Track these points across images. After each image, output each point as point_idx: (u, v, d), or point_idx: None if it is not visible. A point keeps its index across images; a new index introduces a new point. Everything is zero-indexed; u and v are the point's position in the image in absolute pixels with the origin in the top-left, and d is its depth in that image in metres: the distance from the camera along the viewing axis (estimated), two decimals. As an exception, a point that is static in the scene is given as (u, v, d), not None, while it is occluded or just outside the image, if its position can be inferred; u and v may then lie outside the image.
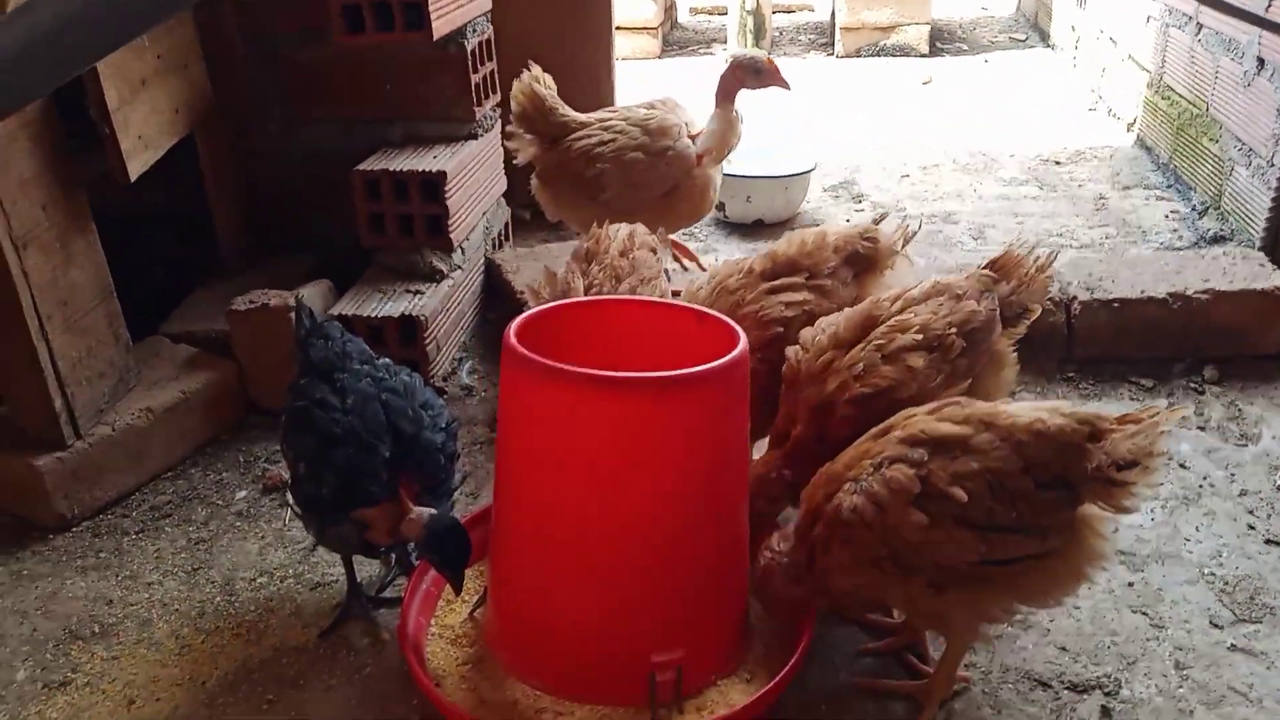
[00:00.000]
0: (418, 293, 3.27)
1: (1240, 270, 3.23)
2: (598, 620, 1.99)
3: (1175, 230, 4.13)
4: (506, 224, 4.01)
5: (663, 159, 3.26)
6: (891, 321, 2.23)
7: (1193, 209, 4.28)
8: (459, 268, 3.45)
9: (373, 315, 3.13)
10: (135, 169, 2.84)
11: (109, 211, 2.92)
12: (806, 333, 2.34)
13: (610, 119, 3.36)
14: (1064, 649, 2.20)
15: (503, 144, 3.46)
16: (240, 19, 3.55)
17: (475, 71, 3.56)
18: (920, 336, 2.19)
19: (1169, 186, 4.58)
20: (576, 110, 3.52)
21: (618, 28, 7.37)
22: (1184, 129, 4.50)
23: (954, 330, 2.20)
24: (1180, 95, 4.60)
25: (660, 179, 3.26)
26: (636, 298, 2.47)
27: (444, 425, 2.29)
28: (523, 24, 4.14)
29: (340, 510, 2.19)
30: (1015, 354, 2.37)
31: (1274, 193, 3.53)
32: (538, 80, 3.40)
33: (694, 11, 8.89)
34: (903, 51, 7.24)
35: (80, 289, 2.75)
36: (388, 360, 2.39)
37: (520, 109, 3.39)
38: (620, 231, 2.77)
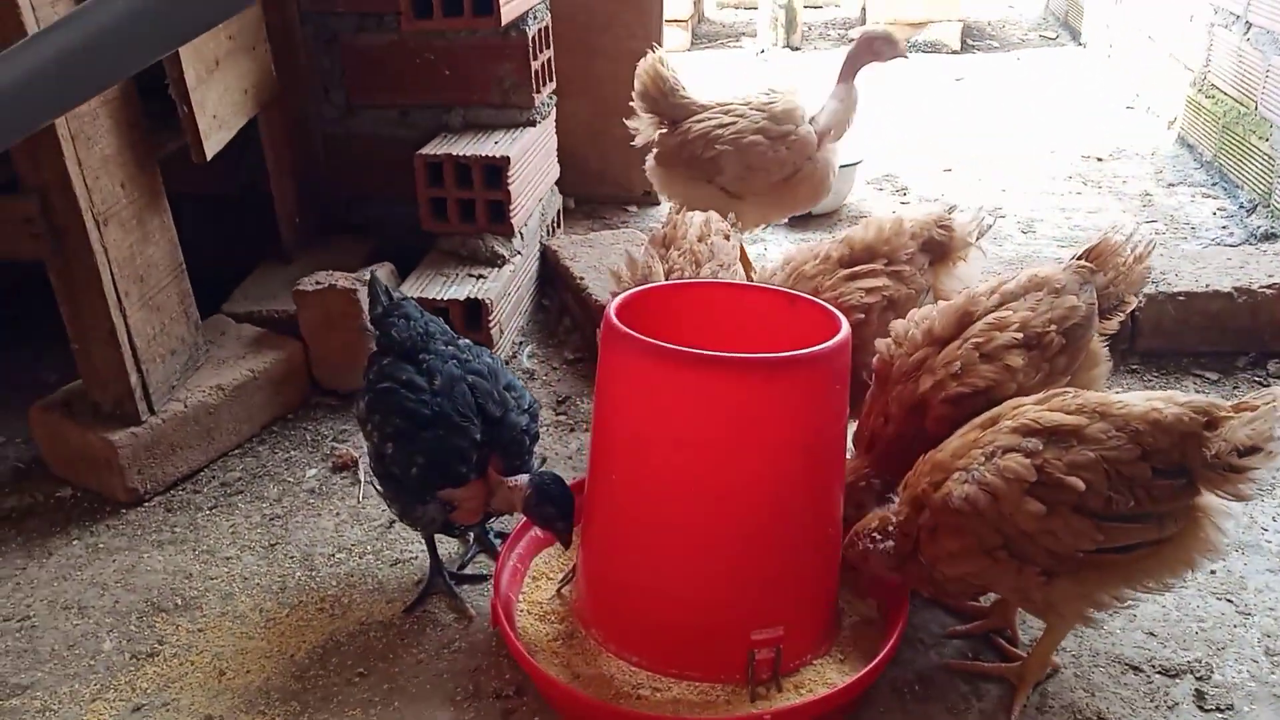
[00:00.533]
0: (480, 276, 3.28)
1: (1303, 265, 3.24)
2: (698, 596, 1.99)
3: (1225, 227, 4.14)
4: (559, 211, 4.01)
5: (784, 142, 3.25)
6: (990, 318, 2.22)
7: (1240, 206, 4.29)
8: (519, 253, 3.45)
9: (438, 298, 3.14)
10: (211, 147, 2.84)
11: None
12: (899, 325, 2.33)
13: (732, 104, 3.36)
14: (1152, 634, 2.20)
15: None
16: (301, 3, 3.56)
17: (535, 59, 3.56)
18: (1020, 335, 2.17)
19: (1214, 184, 4.59)
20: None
21: (652, 20, 7.40)
22: (1230, 127, 4.51)
23: (1054, 328, 2.19)
24: (1226, 94, 4.61)
25: (780, 163, 3.25)
26: (728, 280, 2.47)
27: (526, 407, 2.30)
28: (574, 12, 4.15)
29: (428, 490, 2.20)
30: (1107, 350, 2.36)
31: (1332, 189, 3.53)
32: (661, 61, 3.40)
33: (721, 5, 8.90)
34: (934, 48, 7.25)
35: (155, 266, 2.76)
36: (468, 341, 2.40)
37: (643, 88, 3.39)
38: (696, 218, 2.78)
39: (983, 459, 1.89)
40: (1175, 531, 1.83)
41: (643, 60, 3.42)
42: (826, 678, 2.05)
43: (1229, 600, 2.29)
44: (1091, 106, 5.88)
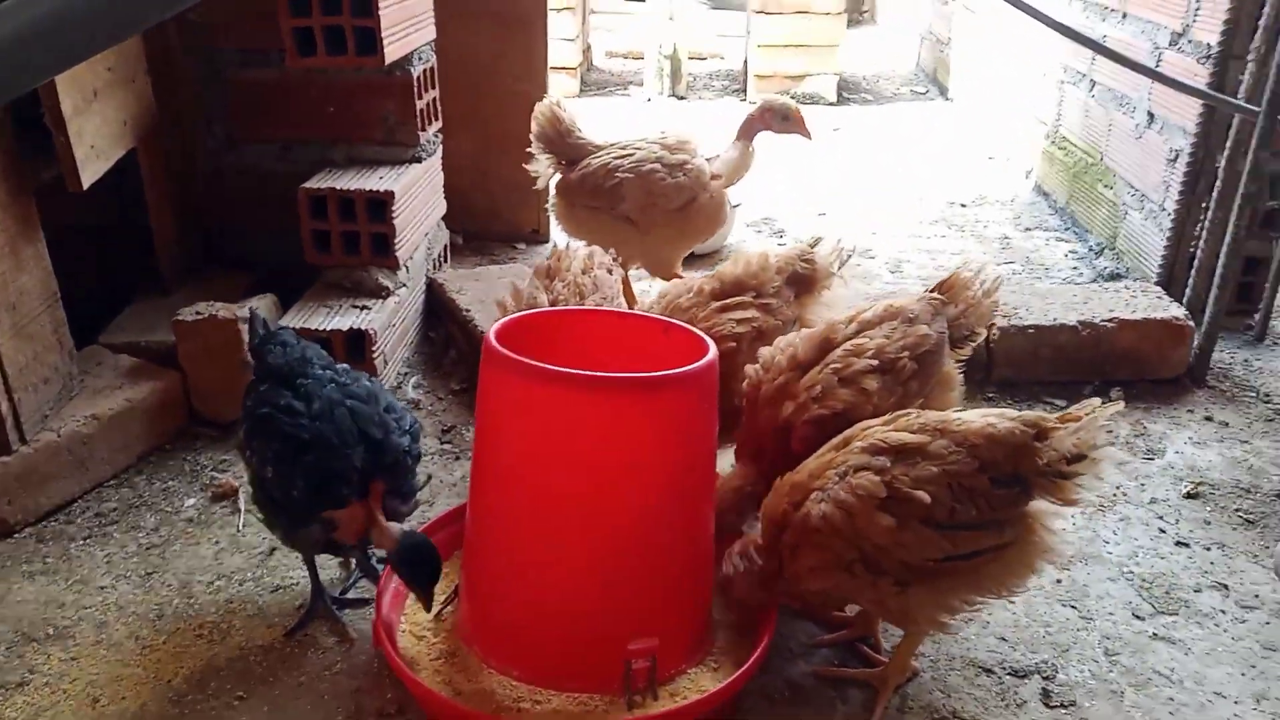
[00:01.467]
0: (364, 308, 3.31)
1: (1141, 301, 3.50)
2: (575, 610, 2.07)
3: (1075, 268, 4.43)
4: (446, 246, 4.07)
5: (680, 170, 3.40)
6: (848, 345, 2.37)
7: (1089, 249, 4.60)
8: (404, 285, 3.50)
9: (321, 328, 3.16)
10: (88, 177, 2.82)
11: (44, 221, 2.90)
12: (765, 352, 2.46)
13: (627, 142, 3.50)
14: (1003, 639, 2.35)
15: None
16: (184, 37, 3.57)
17: (419, 98, 3.63)
18: (875, 360, 2.33)
19: (1067, 229, 4.91)
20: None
21: (539, 66, 7.53)
22: (1080, 176, 4.84)
23: (906, 354, 2.35)
24: (1076, 145, 4.95)
25: (678, 189, 3.39)
26: (607, 308, 2.57)
27: (408, 428, 2.34)
28: (462, 55, 4.25)
29: (310, 512, 2.22)
30: (961, 375, 2.53)
31: (1167, 234, 3.83)
32: (558, 104, 3.52)
33: (610, 55, 9.11)
34: (812, 100, 7.55)
35: (28, 294, 2.72)
36: (346, 366, 2.43)
37: (541, 130, 3.50)
38: (581, 251, 2.88)
39: (837, 478, 2.02)
40: (1014, 537, 1.98)
41: (539, 104, 3.55)
42: (701, 685, 2.13)
43: (1073, 607, 2.46)
44: (956, 157, 6.22)
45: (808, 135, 3.65)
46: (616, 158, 3.42)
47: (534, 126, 3.54)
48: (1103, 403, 1.98)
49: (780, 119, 3.62)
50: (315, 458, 2.18)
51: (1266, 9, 3.27)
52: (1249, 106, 3.27)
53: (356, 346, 3.18)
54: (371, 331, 3.16)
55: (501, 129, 4.42)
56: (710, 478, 2.23)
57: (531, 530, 2.07)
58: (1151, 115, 4.15)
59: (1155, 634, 2.37)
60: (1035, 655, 2.30)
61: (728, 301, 2.69)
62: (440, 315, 3.74)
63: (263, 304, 3.32)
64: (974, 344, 2.53)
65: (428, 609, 2.25)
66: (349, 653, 2.30)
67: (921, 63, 8.70)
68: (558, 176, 3.54)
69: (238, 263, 3.80)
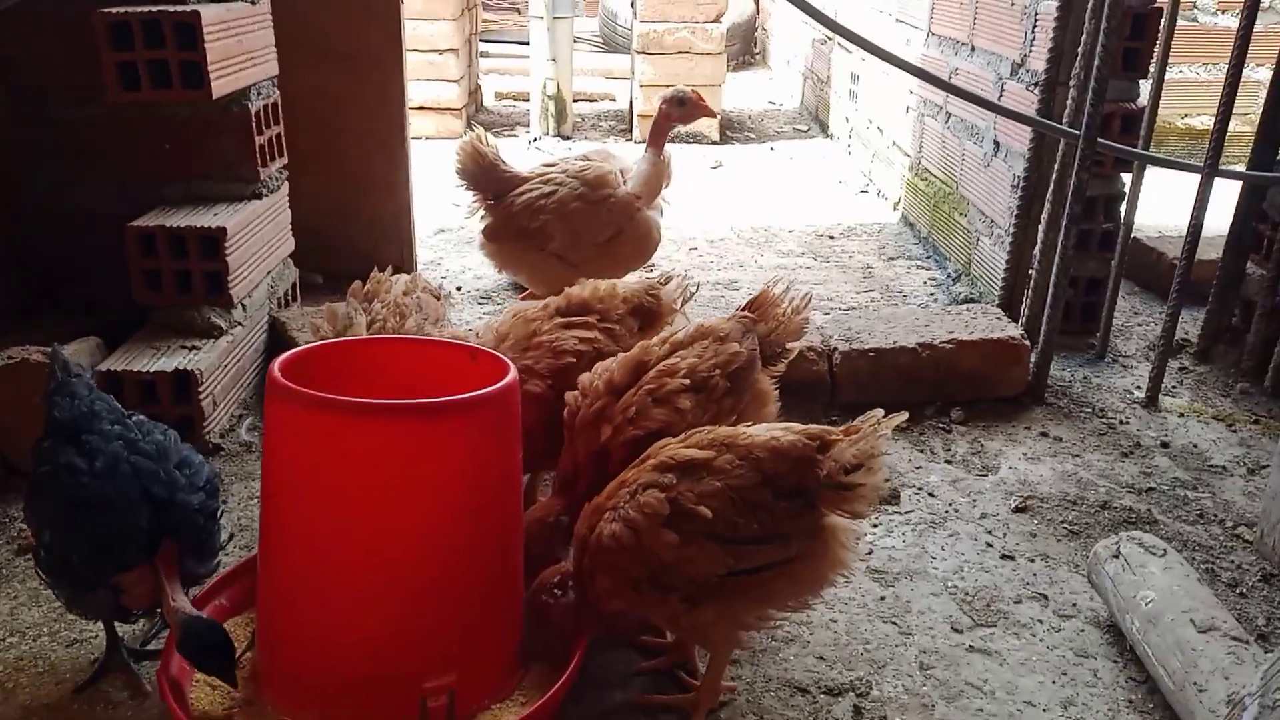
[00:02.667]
0: (194, 348, 3.20)
1: (980, 323, 3.56)
2: (369, 647, 1.98)
3: (932, 294, 4.51)
4: (294, 284, 3.98)
5: (604, 206, 3.39)
6: (660, 366, 2.36)
7: (948, 276, 4.69)
8: (239, 324, 3.40)
9: (144, 370, 3.05)
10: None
11: None
12: (584, 377, 2.44)
13: (549, 172, 3.48)
14: (821, 658, 2.33)
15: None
16: (5, 76, 3.46)
17: (260, 134, 3.57)
18: (688, 380, 2.32)
19: (928, 257, 5.00)
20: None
21: (421, 107, 7.52)
22: (939, 205, 4.94)
23: (718, 372, 2.35)
24: (936, 176, 5.06)
25: (603, 225, 3.39)
26: (408, 336, 2.52)
27: (202, 484, 2.20)
28: (310, 93, 4.19)
29: (94, 576, 2.11)
30: (776, 391, 2.54)
31: (1008, 256, 3.91)
32: (480, 139, 3.51)
33: (499, 96, 9.14)
34: (695, 139, 7.64)
35: None
36: (141, 417, 2.29)
37: (462, 166, 3.49)
38: (403, 277, 2.83)
39: (628, 497, 1.99)
40: (802, 550, 1.96)
41: (461, 140, 3.58)
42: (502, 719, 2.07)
43: (894, 623, 2.45)
44: (831, 190, 6.33)
45: (712, 113, 3.69)
46: (540, 196, 3.41)
47: (455, 164, 3.55)
48: (885, 415, 1.99)
49: (678, 105, 3.64)
50: (96, 518, 2.07)
51: (1084, 36, 3.37)
52: (1070, 130, 3.36)
53: (183, 389, 3.07)
54: (197, 373, 3.06)
55: (360, 165, 4.37)
56: (514, 505, 2.17)
57: (319, 566, 1.99)
58: (997, 144, 4.26)
59: (972, 646, 2.37)
60: (851, 672, 2.28)
61: (572, 319, 2.67)
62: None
63: (84, 347, 3.20)
64: (786, 360, 2.54)
65: (233, 686, 2.10)
66: (141, 708, 2.18)
67: (805, 102, 8.87)
68: (485, 220, 3.51)
69: (76, 310, 3.66)
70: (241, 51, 3.42)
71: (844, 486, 1.91)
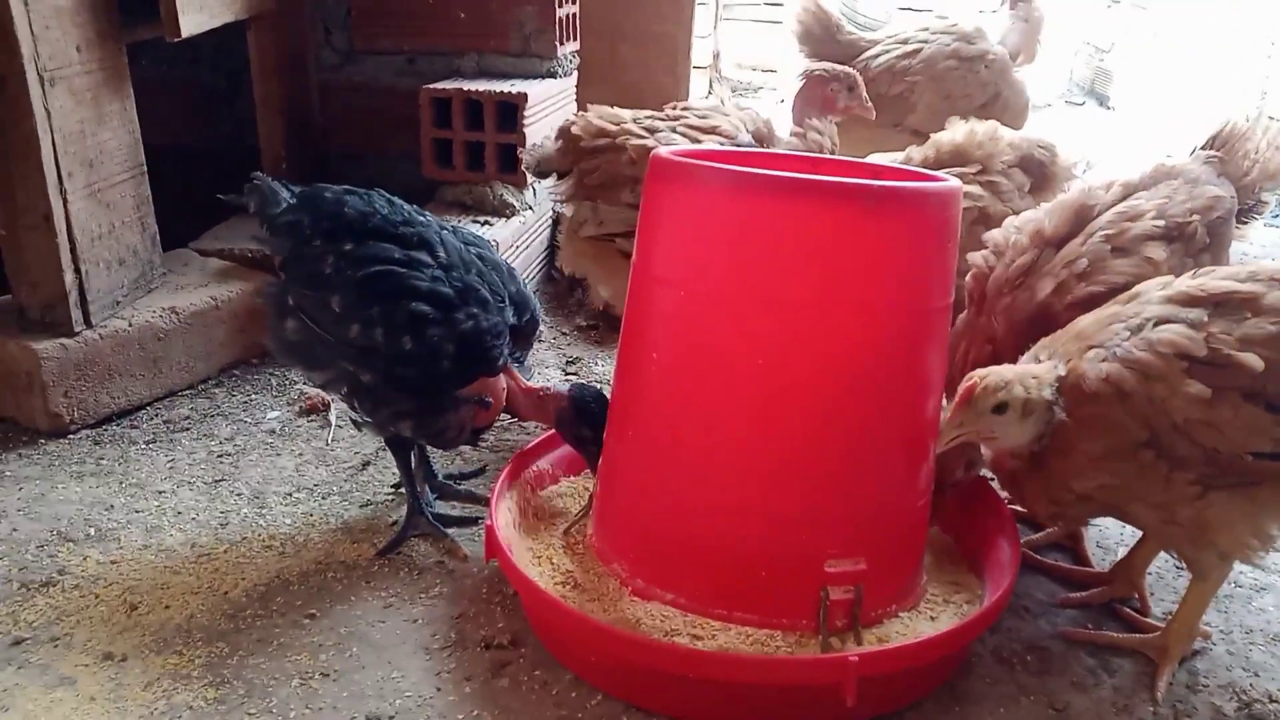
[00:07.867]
0: (487, 223, 2.89)
1: None
2: (759, 510, 1.52)
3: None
4: (575, 184, 3.63)
5: (981, 62, 2.90)
6: (1119, 208, 1.83)
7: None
8: (530, 207, 3.07)
9: (437, 239, 2.73)
10: (187, 26, 2.44)
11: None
12: (996, 234, 1.93)
13: (905, 33, 3.04)
14: (1319, 611, 1.75)
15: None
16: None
17: (560, 5, 3.23)
18: (1161, 222, 1.78)
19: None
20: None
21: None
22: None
23: (1196, 218, 1.80)
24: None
25: (982, 86, 2.89)
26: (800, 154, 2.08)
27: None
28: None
29: (457, 384, 1.79)
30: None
31: None
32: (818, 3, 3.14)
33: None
34: None
35: (110, 155, 2.35)
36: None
37: (805, 30, 3.13)
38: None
39: (1126, 333, 1.47)
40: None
41: (803, 2, 3.18)
42: (917, 631, 1.57)
43: None
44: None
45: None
46: (901, 56, 2.95)
47: (796, 27, 3.18)
48: None
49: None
50: (468, 313, 1.75)
51: None
52: None
53: (475, 261, 2.74)
54: (495, 244, 2.71)
55: (641, 76, 4.04)
56: (943, 353, 1.67)
57: (707, 402, 1.54)
58: None
59: None
60: (1371, 634, 1.69)
61: (945, 172, 2.17)
62: (566, 253, 3.28)
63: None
64: (1260, 216, 1.95)
65: (593, 470, 1.81)
66: (452, 575, 1.81)
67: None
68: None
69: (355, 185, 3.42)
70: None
71: None
